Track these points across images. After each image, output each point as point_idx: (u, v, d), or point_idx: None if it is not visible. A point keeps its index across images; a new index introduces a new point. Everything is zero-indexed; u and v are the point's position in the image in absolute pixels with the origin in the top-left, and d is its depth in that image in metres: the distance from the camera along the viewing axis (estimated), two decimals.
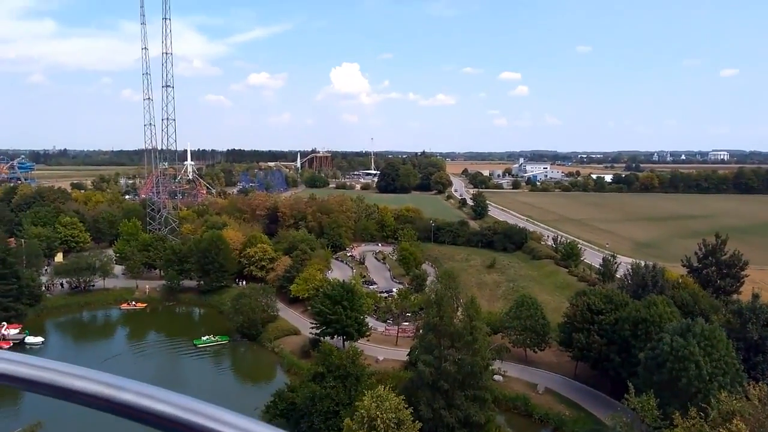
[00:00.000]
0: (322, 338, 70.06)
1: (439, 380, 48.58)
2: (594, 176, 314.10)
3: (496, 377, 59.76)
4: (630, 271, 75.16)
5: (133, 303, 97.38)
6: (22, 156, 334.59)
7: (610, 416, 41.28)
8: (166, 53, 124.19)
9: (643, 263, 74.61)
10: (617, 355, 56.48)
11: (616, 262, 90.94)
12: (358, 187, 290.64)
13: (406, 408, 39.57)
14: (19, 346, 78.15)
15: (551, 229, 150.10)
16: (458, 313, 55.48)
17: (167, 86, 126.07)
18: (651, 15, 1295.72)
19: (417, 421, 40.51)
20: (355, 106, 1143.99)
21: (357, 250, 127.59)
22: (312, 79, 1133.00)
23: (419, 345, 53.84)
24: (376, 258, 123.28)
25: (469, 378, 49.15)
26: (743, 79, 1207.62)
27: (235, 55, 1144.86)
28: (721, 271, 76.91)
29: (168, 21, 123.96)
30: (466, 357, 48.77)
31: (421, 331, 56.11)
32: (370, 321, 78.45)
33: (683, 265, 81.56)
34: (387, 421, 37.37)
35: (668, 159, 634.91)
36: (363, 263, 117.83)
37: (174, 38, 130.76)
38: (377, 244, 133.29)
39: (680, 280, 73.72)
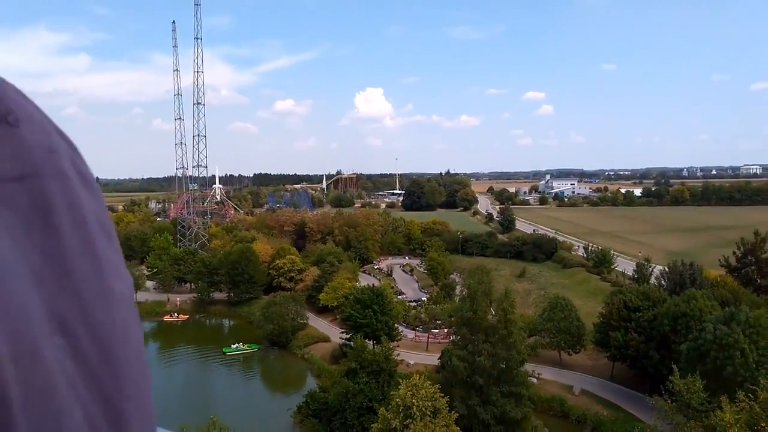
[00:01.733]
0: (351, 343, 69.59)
1: (473, 375, 47.66)
2: (623, 191, 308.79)
3: (530, 379, 58.38)
4: (667, 270, 73.31)
5: (176, 315, 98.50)
6: None
7: (653, 400, 39.76)
8: (197, 71, 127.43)
9: (680, 261, 72.64)
10: (656, 351, 54.84)
11: (650, 265, 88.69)
12: (383, 206, 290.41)
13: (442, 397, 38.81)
14: None
15: (581, 240, 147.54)
16: (491, 310, 54.57)
17: (198, 103, 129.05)
18: (676, 31, 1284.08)
19: (453, 412, 39.64)
20: (379, 129, 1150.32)
21: (384, 263, 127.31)
22: (336, 105, 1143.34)
23: (453, 341, 53.04)
24: (403, 270, 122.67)
25: (505, 373, 48.14)
26: None
27: (261, 84, 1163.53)
28: (761, 269, 74.59)
29: (199, 41, 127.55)
30: (500, 351, 47.83)
31: (454, 328, 55.33)
32: (400, 328, 77.73)
33: (721, 265, 79.26)
34: (423, 408, 36.66)
35: (698, 174, 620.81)
36: (390, 275, 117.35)
37: (204, 67, 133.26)
38: (404, 257, 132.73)
39: (719, 279, 71.58)
